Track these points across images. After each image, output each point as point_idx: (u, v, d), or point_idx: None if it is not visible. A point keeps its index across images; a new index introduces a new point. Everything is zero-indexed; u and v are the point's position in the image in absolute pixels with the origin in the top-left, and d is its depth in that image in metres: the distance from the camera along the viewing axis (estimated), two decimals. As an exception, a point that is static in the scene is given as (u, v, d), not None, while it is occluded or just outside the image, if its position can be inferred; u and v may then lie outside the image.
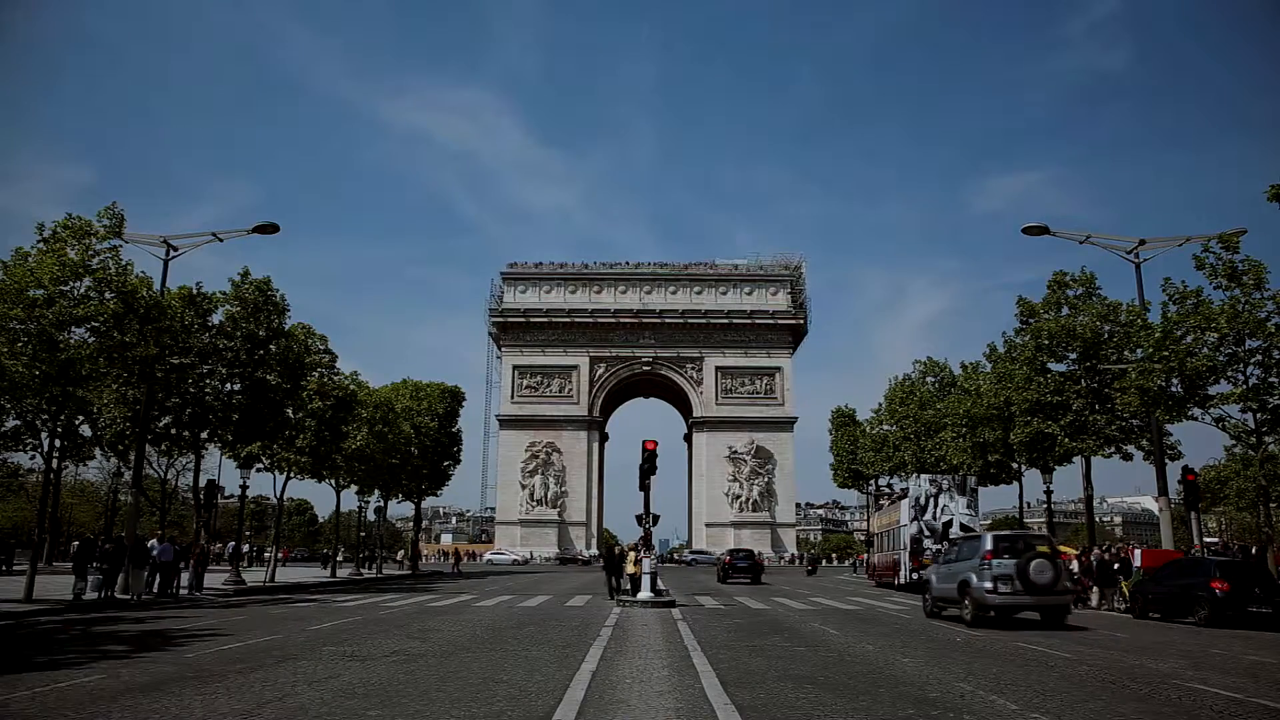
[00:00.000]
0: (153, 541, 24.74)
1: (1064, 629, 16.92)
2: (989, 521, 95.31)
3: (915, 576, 29.22)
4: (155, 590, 24.16)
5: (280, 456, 34.18)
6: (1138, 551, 24.99)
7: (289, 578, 38.03)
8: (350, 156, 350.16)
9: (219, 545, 55.91)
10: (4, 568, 37.55)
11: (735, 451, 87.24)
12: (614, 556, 26.60)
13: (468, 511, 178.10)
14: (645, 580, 22.75)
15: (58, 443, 25.59)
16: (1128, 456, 31.49)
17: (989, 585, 16.85)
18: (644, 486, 24.32)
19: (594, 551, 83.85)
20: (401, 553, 63.60)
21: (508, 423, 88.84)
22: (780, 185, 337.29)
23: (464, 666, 10.65)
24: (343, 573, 44.00)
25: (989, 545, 17.61)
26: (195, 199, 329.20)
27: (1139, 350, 24.57)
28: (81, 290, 21.15)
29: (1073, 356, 31.24)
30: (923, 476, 34.41)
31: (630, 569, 25.39)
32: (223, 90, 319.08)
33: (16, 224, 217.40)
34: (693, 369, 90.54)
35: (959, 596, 18.04)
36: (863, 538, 72.89)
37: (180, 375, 26.94)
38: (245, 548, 47.52)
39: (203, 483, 32.81)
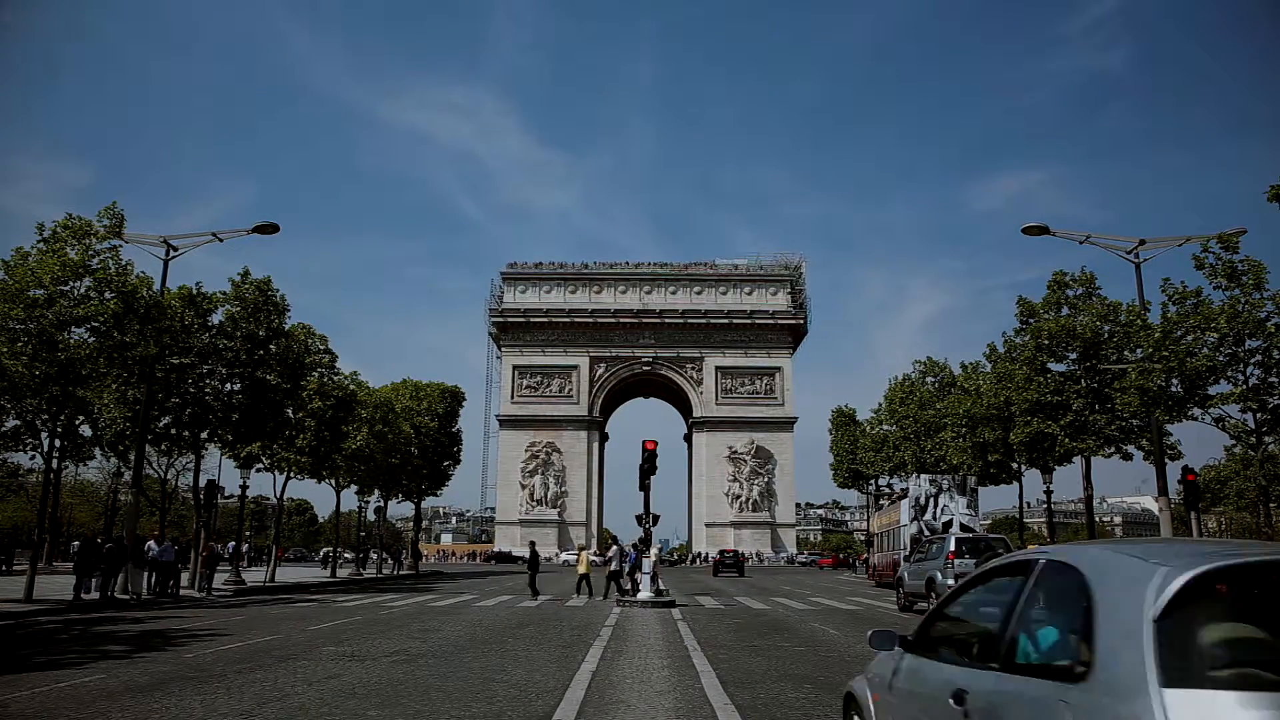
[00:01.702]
0: (150, 542, 24.75)
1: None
2: (989, 521, 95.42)
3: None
4: (154, 590, 24.15)
5: (280, 456, 34.15)
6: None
7: (289, 578, 38.03)
8: (350, 156, 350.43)
9: (219, 545, 55.77)
10: (4, 568, 37.55)
11: (735, 451, 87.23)
12: (536, 555, 27.07)
13: (468, 511, 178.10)
14: (645, 580, 22.75)
15: (58, 443, 25.58)
16: (1128, 456, 31.46)
17: (951, 582, 18.76)
18: (644, 486, 24.33)
19: (593, 551, 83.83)
20: (401, 555, 63.77)
21: (508, 423, 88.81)
22: (780, 185, 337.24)
23: (464, 666, 10.65)
24: (343, 573, 44.00)
25: (951, 546, 19.88)
26: (195, 199, 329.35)
27: (1139, 350, 24.54)
28: (82, 290, 21.13)
29: (1073, 356, 31.20)
30: (923, 476, 34.45)
31: (581, 569, 25.46)
32: (222, 90, 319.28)
33: (16, 224, 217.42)
34: (693, 369, 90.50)
35: (926, 592, 20.13)
36: (863, 538, 72.89)
37: (180, 375, 26.94)
38: (245, 548, 47.47)
39: (203, 483, 32.78)
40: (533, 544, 29.75)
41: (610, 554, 27.05)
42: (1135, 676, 2.26)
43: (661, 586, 23.86)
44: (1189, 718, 2.12)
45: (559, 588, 29.78)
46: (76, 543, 51.55)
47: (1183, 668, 2.23)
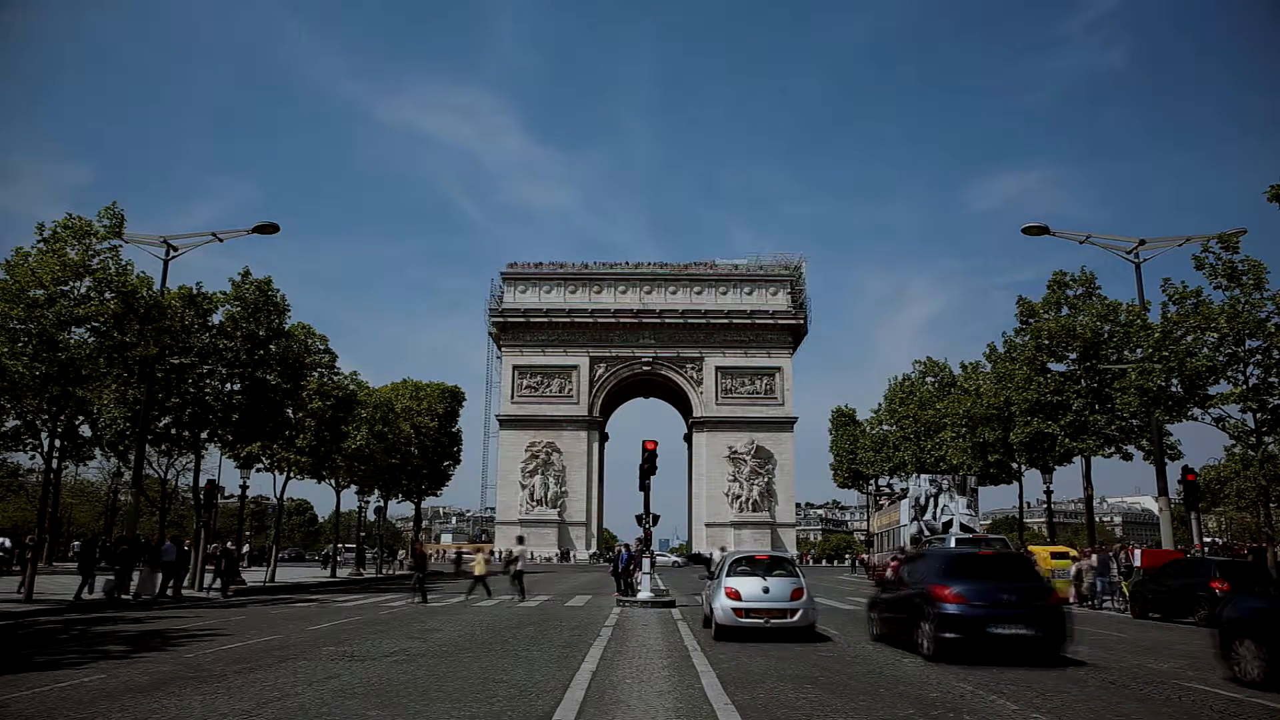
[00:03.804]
0: (168, 544, 24.98)
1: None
2: (989, 521, 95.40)
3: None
4: (156, 591, 24.23)
5: (280, 456, 34.17)
6: (1138, 551, 25.00)
7: (288, 578, 38.04)
8: (350, 156, 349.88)
9: (215, 545, 55.77)
10: (4, 568, 37.54)
11: (735, 451, 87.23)
12: (423, 556, 26.55)
13: (468, 511, 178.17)
14: (645, 580, 22.82)
15: (58, 443, 25.59)
16: (1128, 456, 31.50)
17: None
18: (644, 486, 24.33)
19: (594, 551, 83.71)
20: (400, 553, 63.93)
21: (508, 423, 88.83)
22: (780, 185, 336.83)
23: (464, 666, 10.66)
24: (343, 573, 44.01)
25: (951, 546, 19.95)
26: (194, 198, 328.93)
27: (1139, 350, 24.57)
28: (82, 290, 21.14)
29: (1073, 356, 31.25)
30: (923, 476, 34.50)
31: (478, 570, 25.38)
32: (222, 89, 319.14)
33: (16, 224, 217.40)
34: (693, 369, 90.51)
35: None
36: (863, 538, 72.94)
37: (180, 375, 26.93)
38: (245, 548, 47.50)
39: (203, 483, 32.80)
40: (421, 544, 29.67)
41: (516, 553, 27.27)
42: (721, 574, 14.86)
43: (661, 586, 23.84)
44: (727, 581, 14.14)
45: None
46: (77, 543, 51.57)
47: (729, 572, 14.55)
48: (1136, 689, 9.40)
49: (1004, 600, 11.48)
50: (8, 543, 24.47)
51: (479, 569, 25.34)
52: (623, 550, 27.53)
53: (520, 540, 31.00)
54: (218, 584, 26.66)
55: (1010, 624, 11.21)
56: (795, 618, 13.74)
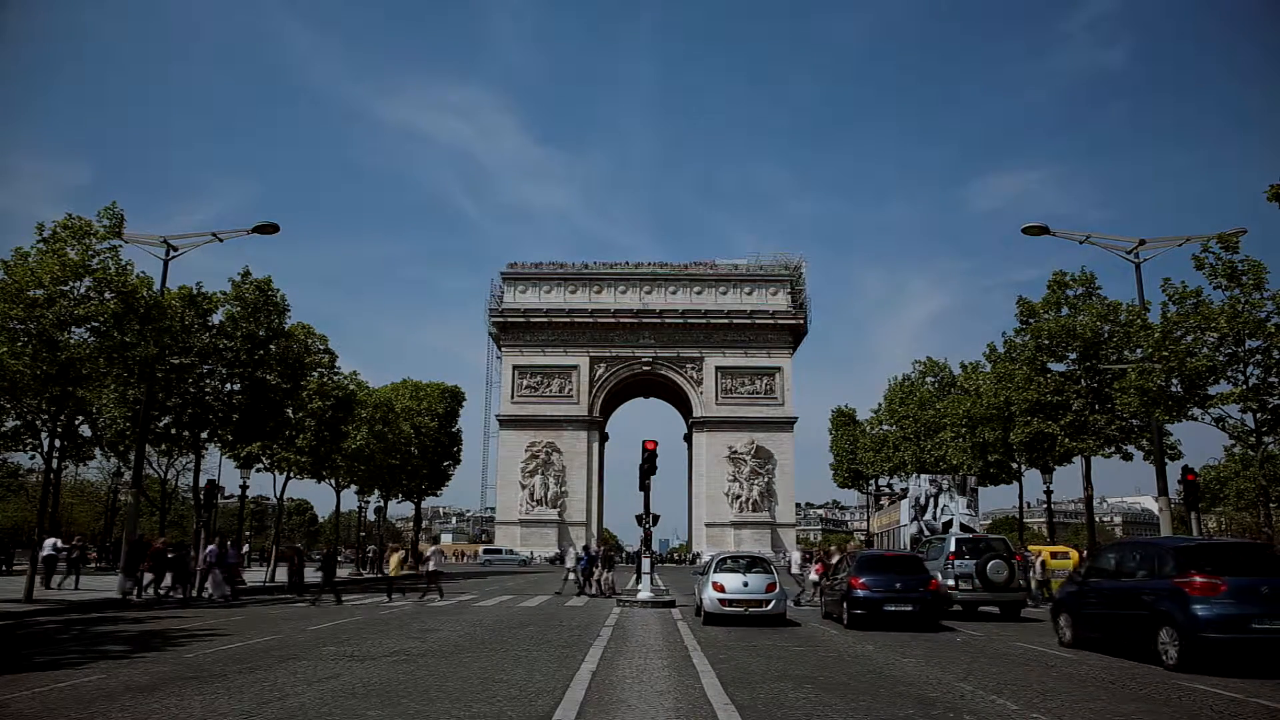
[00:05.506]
0: (212, 547, 25.42)
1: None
2: (989, 521, 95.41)
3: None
4: (158, 592, 24.42)
5: (280, 456, 34.17)
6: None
7: (288, 577, 37.97)
8: (349, 156, 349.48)
9: (286, 548, 55.77)
10: (4, 568, 37.54)
11: (735, 451, 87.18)
12: (332, 557, 26.00)
13: (468, 511, 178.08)
14: (645, 580, 22.85)
15: (58, 443, 25.58)
16: (1128, 456, 31.48)
17: (951, 583, 19.02)
18: (644, 487, 24.34)
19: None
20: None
21: (508, 423, 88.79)
22: (780, 185, 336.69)
23: (464, 666, 10.66)
24: (342, 573, 43.96)
25: (951, 547, 19.75)
26: (194, 198, 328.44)
27: (1139, 350, 24.55)
28: (82, 290, 21.12)
29: (1073, 356, 31.23)
30: (923, 476, 34.50)
31: (391, 571, 25.16)
32: (221, 89, 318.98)
33: (16, 224, 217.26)
34: (693, 369, 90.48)
35: None
36: (863, 538, 72.99)
37: (180, 375, 26.94)
38: (245, 548, 47.48)
39: (203, 483, 32.79)
40: (332, 544, 29.84)
41: (429, 552, 27.42)
42: (709, 572, 17.54)
43: (661, 585, 23.99)
44: (714, 577, 16.99)
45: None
46: (77, 540, 51.42)
47: (715, 570, 17.28)
48: (1136, 689, 9.41)
49: (896, 588, 16.02)
50: (59, 543, 24.58)
51: (392, 569, 25.11)
52: (583, 553, 29.08)
53: (435, 540, 31.13)
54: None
55: (898, 604, 15.86)
56: (769, 607, 16.51)
